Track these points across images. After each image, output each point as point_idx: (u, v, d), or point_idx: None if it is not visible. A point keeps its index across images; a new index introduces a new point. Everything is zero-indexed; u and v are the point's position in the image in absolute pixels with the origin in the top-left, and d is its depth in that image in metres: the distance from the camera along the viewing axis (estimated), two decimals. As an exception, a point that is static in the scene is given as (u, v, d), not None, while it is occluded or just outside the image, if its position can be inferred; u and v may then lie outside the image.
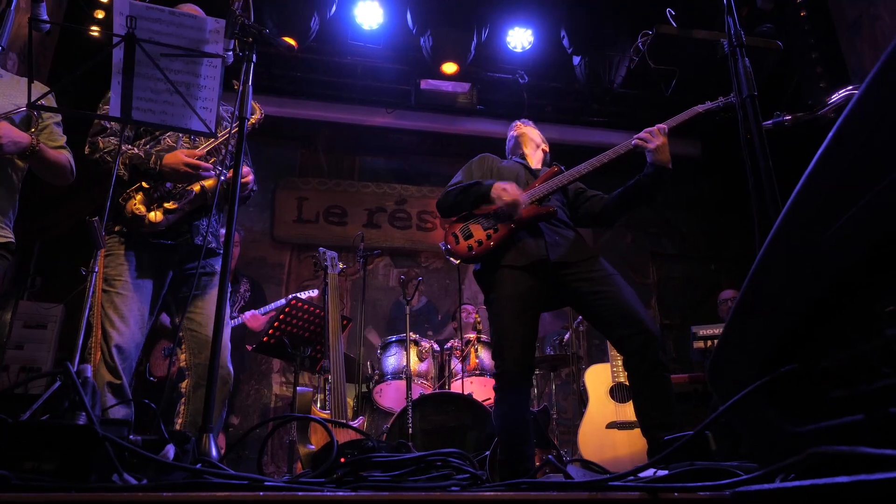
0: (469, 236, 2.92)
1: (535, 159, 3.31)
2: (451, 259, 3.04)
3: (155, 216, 2.68)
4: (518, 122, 3.50)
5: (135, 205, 2.68)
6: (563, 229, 2.95)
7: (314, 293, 5.13)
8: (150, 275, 2.76)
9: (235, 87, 2.71)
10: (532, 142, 3.38)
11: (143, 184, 2.72)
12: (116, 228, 2.72)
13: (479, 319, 4.91)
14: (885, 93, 0.80)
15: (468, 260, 2.94)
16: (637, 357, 2.62)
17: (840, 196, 0.84)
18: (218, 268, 2.91)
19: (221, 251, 2.94)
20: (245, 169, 2.80)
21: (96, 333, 2.63)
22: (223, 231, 2.96)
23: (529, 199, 2.92)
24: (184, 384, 2.85)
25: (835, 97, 2.38)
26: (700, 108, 2.93)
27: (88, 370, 1.15)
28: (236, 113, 2.20)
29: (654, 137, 2.83)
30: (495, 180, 2.95)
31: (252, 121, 2.87)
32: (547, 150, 3.44)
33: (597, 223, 3.16)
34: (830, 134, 0.86)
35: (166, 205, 2.72)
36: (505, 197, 2.85)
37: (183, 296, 2.85)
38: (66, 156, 2.88)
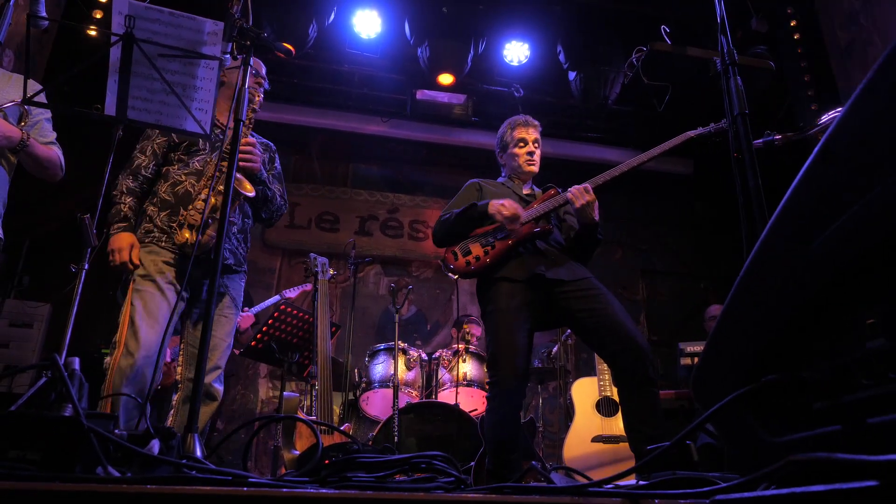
0: (468, 253, 2.95)
1: (524, 185, 3.28)
2: (450, 275, 3.05)
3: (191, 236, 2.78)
4: (519, 128, 3.26)
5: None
6: (558, 249, 2.98)
7: (307, 287, 5.15)
8: (177, 284, 2.79)
9: None
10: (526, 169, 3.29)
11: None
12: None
13: (467, 329, 4.92)
14: (871, 108, 0.82)
15: (466, 275, 2.97)
16: (627, 373, 2.65)
17: (825, 209, 0.86)
18: (232, 290, 3.00)
19: (239, 268, 3.04)
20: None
21: (122, 329, 2.65)
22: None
23: (527, 217, 2.94)
24: (175, 398, 2.85)
25: (825, 118, 2.42)
26: (691, 133, 2.96)
27: (76, 363, 1.15)
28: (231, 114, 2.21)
29: (580, 196, 2.87)
30: (489, 199, 2.97)
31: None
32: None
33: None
34: (817, 148, 0.88)
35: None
36: (504, 211, 2.87)
37: (196, 311, 2.93)
38: (55, 152, 2.90)
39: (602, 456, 4.29)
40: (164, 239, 2.82)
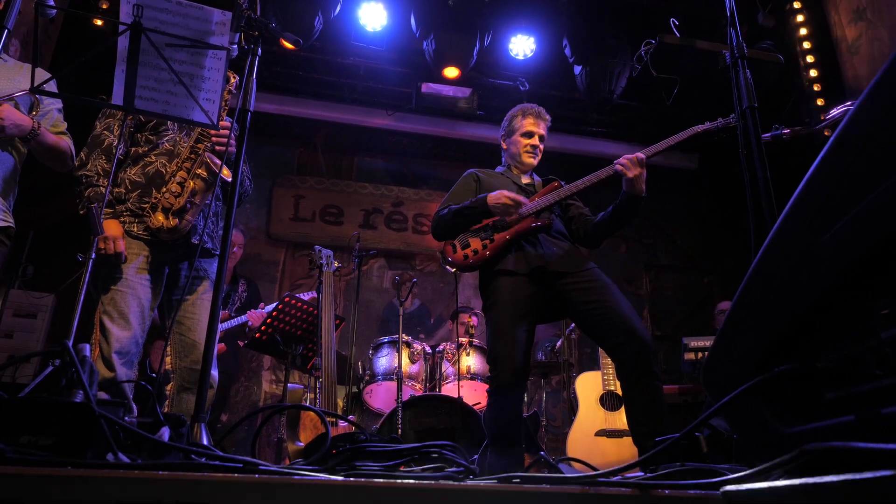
0: (466, 246, 2.95)
1: (524, 174, 3.28)
2: (448, 268, 3.05)
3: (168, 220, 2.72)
4: (524, 118, 3.26)
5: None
6: (559, 240, 2.97)
7: (314, 295, 5.12)
8: (149, 271, 2.75)
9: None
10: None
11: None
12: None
13: (471, 323, 4.92)
14: (886, 99, 0.81)
15: (465, 268, 2.97)
16: (629, 366, 2.64)
17: (839, 200, 0.86)
18: (212, 273, 2.93)
19: (217, 252, 2.94)
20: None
21: (96, 329, 2.64)
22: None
23: (528, 210, 2.93)
24: (168, 387, 2.84)
25: (833, 112, 2.41)
26: (699, 128, 2.91)
27: (87, 349, 1.15)
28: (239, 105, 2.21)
29: (632, 167, 2.83)
30: (486, 194, 2.97)
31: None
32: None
33: (582, 243, 3.15)
34: (831, 139, 0.87)
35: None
36: (504, 199, 2.87)
37: (175, 298, 2.86)
38: (66, 141, 2.90)
39: (606, 450, 4.29)
40: (135, 224, 2.73)
